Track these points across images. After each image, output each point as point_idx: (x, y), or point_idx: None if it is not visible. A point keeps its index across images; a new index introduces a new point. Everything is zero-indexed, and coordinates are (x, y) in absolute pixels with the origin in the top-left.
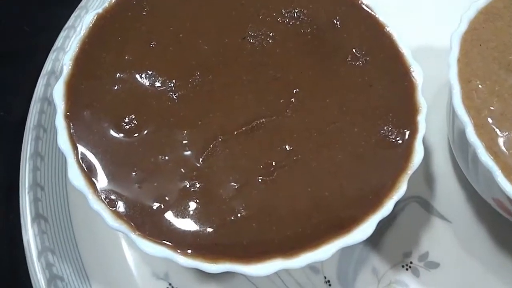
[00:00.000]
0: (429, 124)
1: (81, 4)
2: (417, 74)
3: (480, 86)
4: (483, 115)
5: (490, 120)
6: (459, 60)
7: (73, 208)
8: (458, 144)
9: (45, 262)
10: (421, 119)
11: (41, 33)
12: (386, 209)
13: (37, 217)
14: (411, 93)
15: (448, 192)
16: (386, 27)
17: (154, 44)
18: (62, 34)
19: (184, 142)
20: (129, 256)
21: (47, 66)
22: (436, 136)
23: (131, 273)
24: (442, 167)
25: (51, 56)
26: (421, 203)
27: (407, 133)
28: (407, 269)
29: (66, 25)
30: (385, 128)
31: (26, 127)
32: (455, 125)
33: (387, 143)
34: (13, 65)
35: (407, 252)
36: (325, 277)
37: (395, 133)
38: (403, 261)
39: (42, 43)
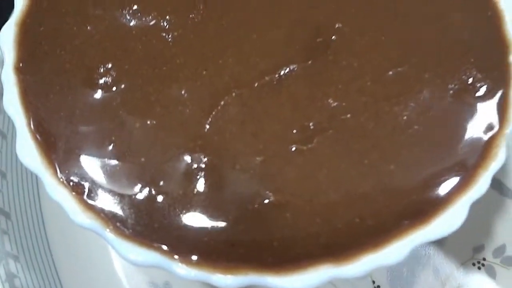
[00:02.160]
0: None
1: None
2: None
3: None
4: None
5: None
6: None
7: (46, 200)
8: None
9: (5, 272)
10: None
11: None
12: (480, 186)
13: None
14: (497, 24)
15: None
16: None
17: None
18: None
19: (182, 99)
20: (119, 261)
21: None
22: None
23: (121, 284)
24: None
25: None
26: (493, 183)
27: (498, 78)
28: (479, 268)
29: None
30: (466, 72)
31: None
32: None
33: (471, 93)
34: None
35: (478, 246)
36: (373, 282)
37: (482, 79)
38: (473, 258)
39: None
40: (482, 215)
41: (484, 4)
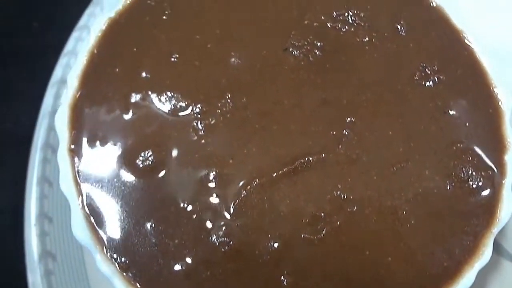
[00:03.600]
0: None
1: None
2: (505, 97)
3: None
4: None
5: None
6: None
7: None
8: None
9: None
10: (510, 159)
11: (52, 30)
12: (466, 280)
13: (44, 254)
14: (497, 123)
15: None
16: (463, 35)
17: (176, 58)
18: (74, 34)
19: (211, 186)
20: None
21: (57, 73)
22: None
23: None
24: None
25: (62, 61)
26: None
27: (492, 178)
28: None
29: (78, 25)
30: (463, 170)
31: (32, 146)
32: None
33: (465, 191)
34: (19, 66)
35: None
36: None
37: (477, 178)
38: None
39: (52, 43)
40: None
41: (487, 102)
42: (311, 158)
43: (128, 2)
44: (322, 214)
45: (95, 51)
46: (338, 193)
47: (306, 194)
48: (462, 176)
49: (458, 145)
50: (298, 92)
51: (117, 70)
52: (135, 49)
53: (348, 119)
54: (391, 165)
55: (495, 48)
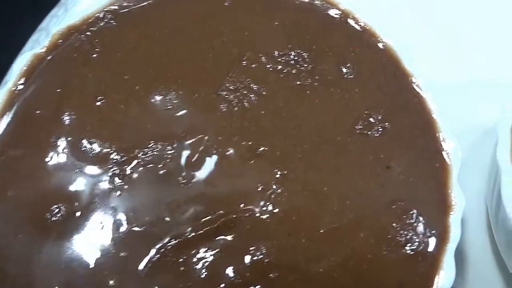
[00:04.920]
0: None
1: (42, 25)
2: (453, 152)
3: None
4: None
5: None
6: None
7: None
8: (504, 236)
9: None
10: (454, 221)
11: None
12: None
13: None
14: (443, 180)
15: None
16: (413, 79)
17: (101, 100)
18: None
19: (123, 243)
20: None
21: None
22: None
23: None
24: (477, 248)
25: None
26: None
27: (433, 242)
28: None
29: (23, 51)
30: (402, 233)
31: None
32: (500, 215)
33: (403, 257)
34: None
35: None
36: None
37: (416, 242)
38: None
39: None
40: None
41: (434, 156)
42: (234, 216)
43: (57, 37)
44: (241, 281)
45: (16, 90)
46: (260, 256)
47: (225, 256)
48: (401, 240)
49: (399, 203)
50: (229, 142)
51: (38, 112)
52: (59, 90)
53: (280, 172)
54: (323, 225)
55: (448, 95)
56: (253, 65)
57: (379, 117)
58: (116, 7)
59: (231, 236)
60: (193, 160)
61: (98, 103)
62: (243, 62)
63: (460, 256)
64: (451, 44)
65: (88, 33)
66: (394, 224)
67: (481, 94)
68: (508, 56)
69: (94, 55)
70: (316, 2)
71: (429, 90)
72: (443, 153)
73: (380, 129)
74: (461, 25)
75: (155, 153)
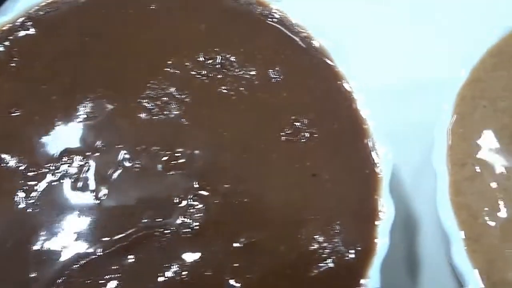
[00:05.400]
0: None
1: None
2: (384, 158)
3: (478, 170)
4: (480, 221)
5: (492, 230)
6: (452, 132)
7: None
8: (441, 239)
9: None
10: (382, 231)
11: None
12: None
13: None
14: (373, 187)
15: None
16: (346, 82)
17: (16, 111)
18: None
19: (30, 264)
20: None
21: None
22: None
23: None
24: (430, 252)
25: None
26: None
27: (358, 256)
28: None
29: None
30: (325, 246)
31: None
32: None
33: (327, 271)
34: None
35: None
36: None
37: (341, 255)
38: None
39: None
40: None
41: (364, 163)
42: (147, 232)
43: None
44: None
45: None
46: (174, 275)
47: (137, 276)
48: (323, 253)
49: (324, 213)
50: (146, 153)
51: None
52: None
53: (198, 184)
54: (241, 239)
55: (382, 98)
56: (177, 71)
57: (307, 122)
58: (36, 14)
59: (143, 254)
60: (108, 172)
61: (13, 114)
62: (167, 68)
63: (412, 260)
64: (386, 46)
65: (6, 42)
66: (317, 236)
67: (417, 97)
68: (443, 58)
69: (12, 65)
70: (246, 3)
71: (361, 93)
72: (373, 159)
73: (307, 135)
74: (396, 27)
75: (68, 166)
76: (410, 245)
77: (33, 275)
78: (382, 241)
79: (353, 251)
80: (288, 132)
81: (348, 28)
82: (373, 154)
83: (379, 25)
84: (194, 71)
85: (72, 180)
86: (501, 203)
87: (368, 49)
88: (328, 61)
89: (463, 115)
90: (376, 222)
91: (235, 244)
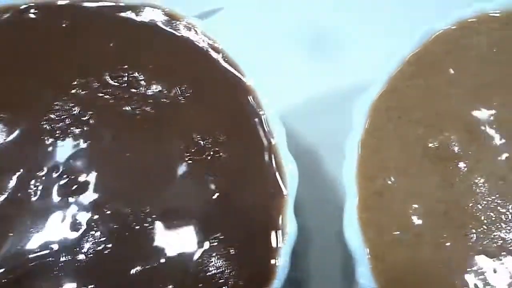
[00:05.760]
0: None
1: None
2: (290, 178)
3: (389, 184)
4: (388, 239)
5: (399, 248)
6: (363, 145)
7: None
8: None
9: None
10: (284, 253)
11: None
12: None
13: None
14: (278, 207)
15: None
16: (255, 99)
17: None
18: None
19: None
20: None
21: None
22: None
23: None
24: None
25: None
26: None
27: (259, 280)
28: None
29: None
30: (224, 272)
31: None
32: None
33: None
34: None
35: None
36: None
37: (239, 280)
38: None
39: None
40: None
41: (270, 183)
42: (40, 262)
43: None
44: None
45: None
46: None
47: None
48: (222, 277)
49: (223, 237)
50: (45, 179)
51: None
52: None
53: (95, 212)
54: (132, 270)
55: (293, 113)
56: (83, 91)
57: (213, 141)
58: None
59: (39, 282)
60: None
61: None
62: (73, 89)
63: (318, 281)
64: (298, 61)
65: None
66: (217, 259)
67: (331, 110)
68: (357, 68)
69: None
70: (157, 18)
71: (272, 109)
72: (279, 177)
73: (213, 154)
74: (307, 40)
75: None
76: (316, 265)
77: None
78: (282, 263)
79: (253, 276)
80: (193, 151)
81: (261, 43)
82: (279, 172)
83: (290, 38)
84: (100, 91)
85: None
86: (410, 219)
87: (280, 64)
88: (239, 76)
89: (376, 127)
90: (278, 244)
91: (132, 271)
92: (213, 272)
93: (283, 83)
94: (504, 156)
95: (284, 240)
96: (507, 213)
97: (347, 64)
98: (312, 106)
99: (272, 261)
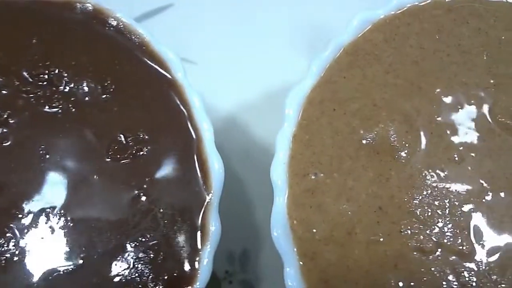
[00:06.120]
0: None
1: None
2: (217, 175)
3: (321, 180)
4: (318, 237)
5: (329, 247)
6: (296, 139)
7: None
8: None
9: None
10: (206, 256)
11: None
12: None
13: None
14: (201, 209)
15: None
16: (182, 95)
17: None
18: None
19: None
20: None
21: None
22: None
23: None
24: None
25: None
26: None
27: (178, 282)
28: None
29: None
30: (147, 273)
31: None
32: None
33: None
34: None
35: None
36: None
37: (162, 281)
38: None
39: None
40: None
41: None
42: None
43: None
44: None
45: None
46: None
47: None
48: (142, 280)
49: (144, 240)
50: None
51: None
52: None
53: (11, 213)
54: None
55: (224, 110)
56: (3, 90)
57: (137, 139)
58: None
59: None
60: None
61: None
62: None
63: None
64: (231, 58)
65: None
66: (137, 263)
67: (265, 105)
68: (293, 61)
69: None
70: (82, 12)
71: (200, 106)
72: (204, 176)
73: (135, 152)
74: (242, 39)
75: None
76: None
77: None
78: (205, 265)
79: (175, 275)
80: (115, 150)
81: (193, 40)
82: (204, 171)
83: (221, 34)
84: (21, 89)
85: None
86: (343, 216)
87: (213, 61)
88: (165, 73)
89: (310, 121)
90: (200, 245)
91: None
92: (131, 276)
93: (214, 79)
94: (442, 147)
95: (207, 242)
96: (444, 207)
97: (282, 57)
98: (245, 102)
99: (195, 263)
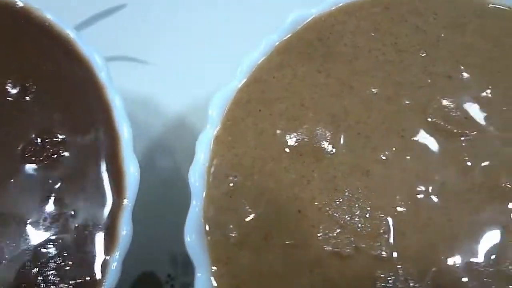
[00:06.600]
0: None
1: None
2: (132, 178)
3: (241, 183)
4: (233, 241)
5: (244, 252)
6: (218, 141)
7: None
8: None
9: None
10: (117, 261)
11: None
12: None
13: None
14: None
15: None
16: (105, 95)
17: None
18: None
19: None
20: None
21: None
22: None
23: None
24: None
25: None
26: None
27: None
28: None
29: None
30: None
31: None
32: None
33: None
34: None
35: None
36: None
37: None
38: None
39: None
40: None
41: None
42: None
43: None
44: None
45: None
46: None
47: None
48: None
49: (53, 244)
50: None
51: None
52: None
53: None
54: None
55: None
56: None
57: (54, 140)
58: None
59: None
60: None
61: None
62: None
63: None
64: (184, 59)
65: None
66: (43, 268)
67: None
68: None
69: None
70: (8, 13)
71: (121, 106)
72: (120, 181)
73: (50, 155)
74: (195, 40)
75: None
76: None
77: None
78: (113, 270)
79: (83, 280)
80: (32, 152)
81: (146, 41)
82: (119, 175)
83: (174, 35)
84: None
85: None
86: (260, 220)
87: (163, 59)
88: (88, 73)
89: (235, 121)
90: (112, 250)
91: None
92: (39, 282)
93: (167, 79)
94: (369, 148)
95: (116, 246)
96: (365, 210)
97: (234, 58)
98: (194, 103)
99: (104, 267)
